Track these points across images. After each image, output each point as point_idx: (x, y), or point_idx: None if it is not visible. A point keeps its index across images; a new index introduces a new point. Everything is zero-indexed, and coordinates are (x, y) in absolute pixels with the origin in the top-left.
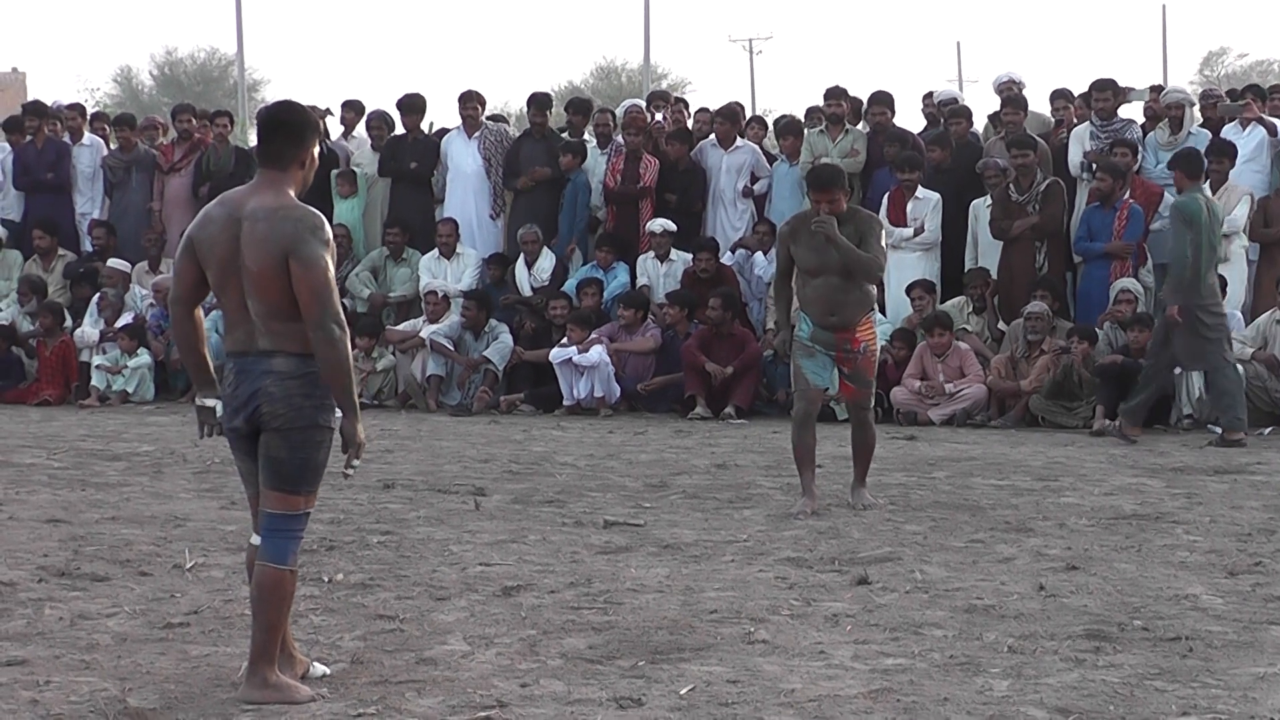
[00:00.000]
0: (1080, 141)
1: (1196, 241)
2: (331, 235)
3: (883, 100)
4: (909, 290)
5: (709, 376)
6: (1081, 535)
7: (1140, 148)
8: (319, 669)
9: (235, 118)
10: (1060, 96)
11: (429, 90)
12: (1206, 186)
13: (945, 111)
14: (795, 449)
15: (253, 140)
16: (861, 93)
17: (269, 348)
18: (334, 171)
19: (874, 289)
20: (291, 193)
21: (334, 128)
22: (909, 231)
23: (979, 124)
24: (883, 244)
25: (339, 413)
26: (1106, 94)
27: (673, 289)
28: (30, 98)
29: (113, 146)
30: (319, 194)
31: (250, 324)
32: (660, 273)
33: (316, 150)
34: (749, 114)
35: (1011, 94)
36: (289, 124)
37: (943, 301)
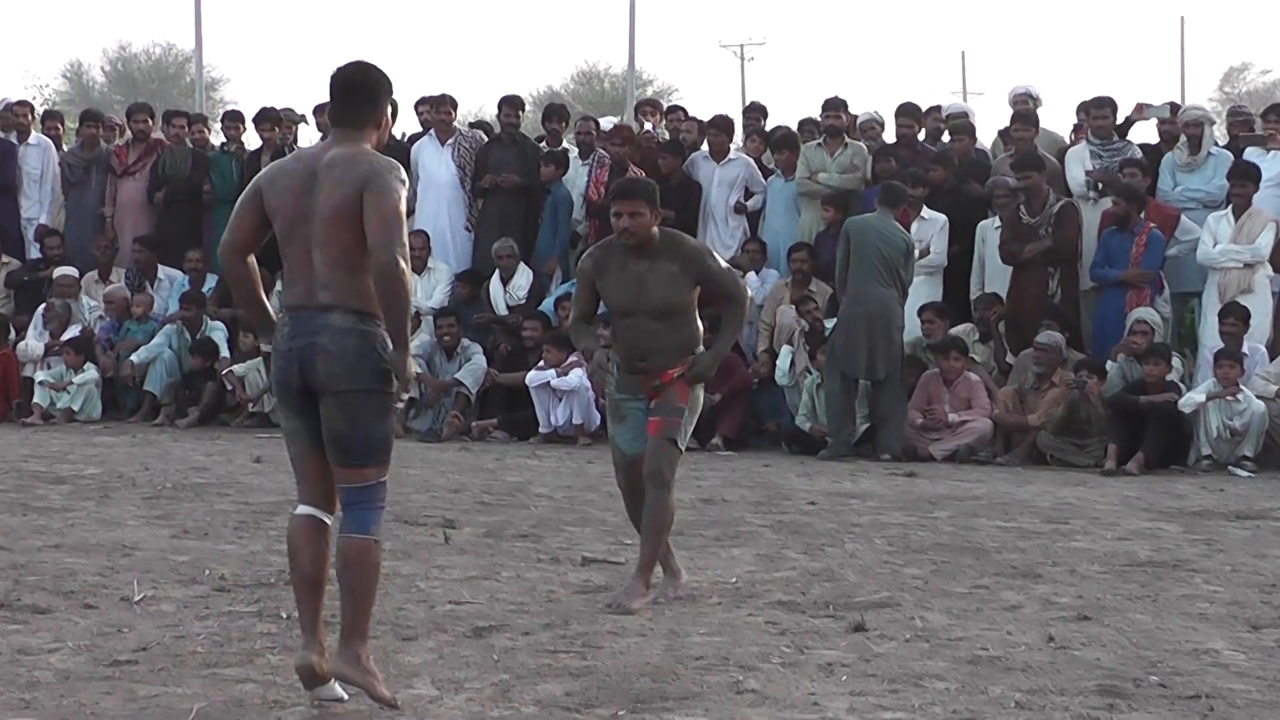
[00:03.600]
0: (1080, 161)
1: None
2: (407, 180)
3: (909, 112)
4: (920, 313)
5: None
6: (1093, 582)
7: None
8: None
9: (193, 117)
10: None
11: (399, 94)
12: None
13: (948, 126)
14: (630, 518)
15: (215, 141)
16: (860, 104)
17: (329, 301)
18: None
19: (699, 329)
20: (368, 147)
21: (306, 136)
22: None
23: (987, 139)
24: (723, 264)
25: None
26: (1104, 111)
27: None
28: None
29: (67, 146)
30: None
31: (312, 277)
32: None
33: (390, 111)
34: (744, 112)
35: (1024, 109)
36: (364, 84)
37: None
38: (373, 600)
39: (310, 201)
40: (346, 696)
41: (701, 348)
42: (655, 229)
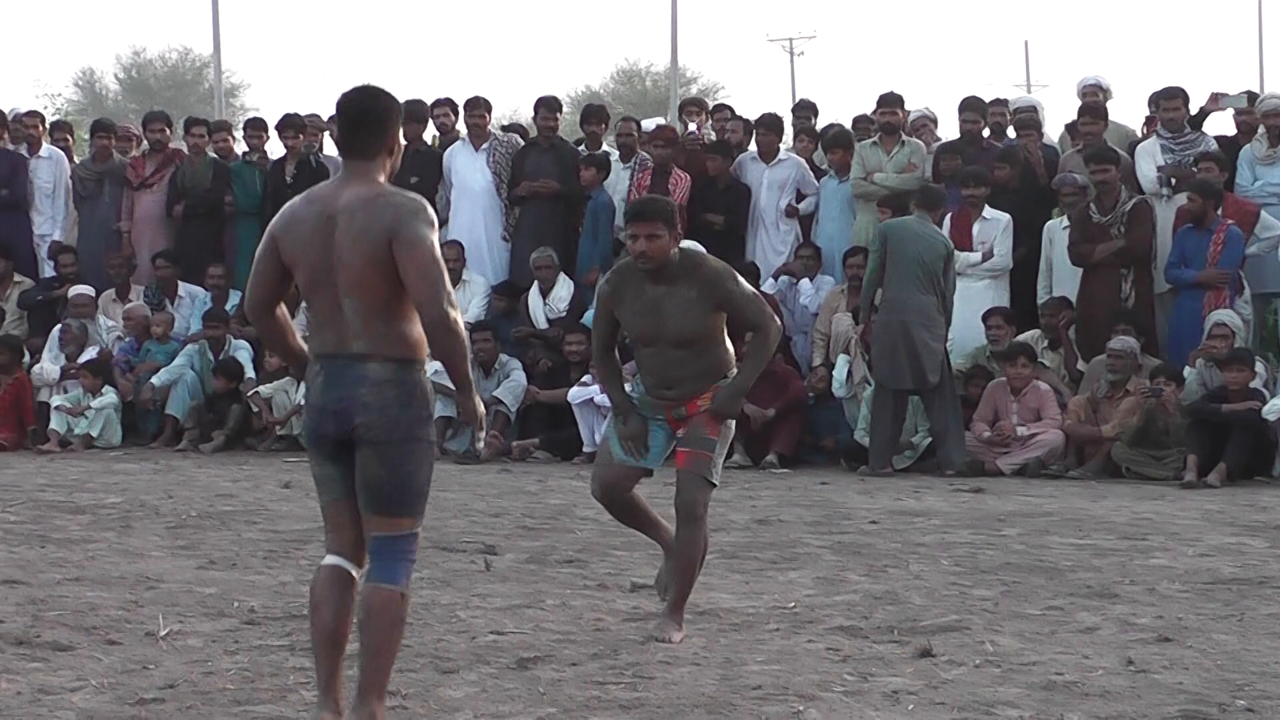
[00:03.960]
0: (1150, 156)
1: None
2: (436, 219)
3: (974, 107)
4: (985, 319)
5: (748, 420)
6: (1174, 602)
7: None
8: None
9: (216, 125)
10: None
11: (431, 97)
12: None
13: (1014, 120)
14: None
15: (239, 150)
16: (917, 100)
17: (364, 351)
18: None
19: (728, 354)
20: (383, 179)
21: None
22: (975, 256)
23: (1054, 133)
24: (747, 289)
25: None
26: (1176, 103)
27: None
28: None
29: (79, 158)
30: None
31: (344, 325)
32: None
33: (401, 133)
34: (793, 110)
35: (1093, 101)
36: (372, 112)
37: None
38: (394, 656)
39: (332, 248)
40: None
41: (733, 371)
42: (675, 251)
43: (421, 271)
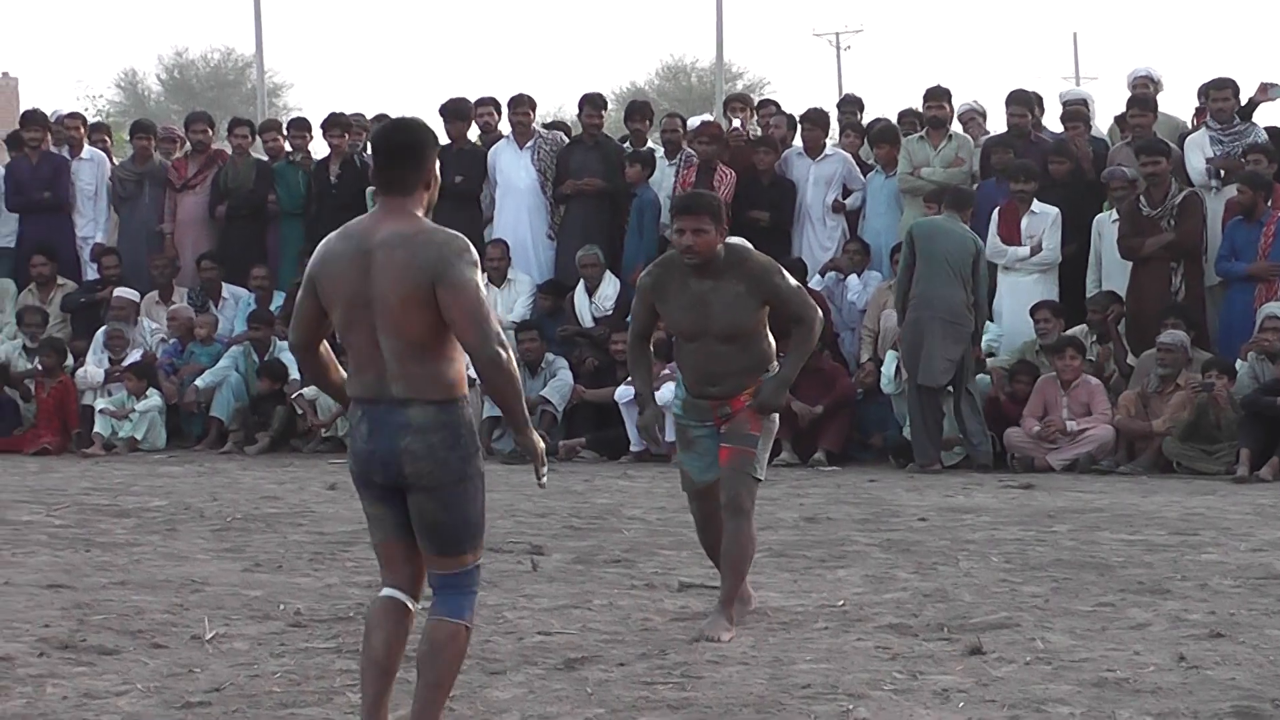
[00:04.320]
0: (1199, 148)
1: None
2: (478, 258)
3: (1022, 100)
4: (1033, 312)
5: (795, 417)
6: (1226, 598)
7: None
8: None
9: (264, 125)
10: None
11: (475, 95)
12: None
13: (1064, 113)
14: (704, 547)
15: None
16: (965, 93)
17: (404, 395)
18: (369, 189)
19: (770, 348)
20: (420, 214)
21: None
22: (1024, 251)
23: (1103, 125)
24: (792, 282)
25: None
26: (1225, 93)
27: None
28: (24, 106)
29: (119, 160)
30: (358, 213)
31: (381, 366)
32: None
33: (438, 166)
34: (838, 106)
35: (1142, 93)
36: (408, 145)
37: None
38: (450, 689)
39: (368, 285)
40: None
41: (775, 365)
42: (720, 246)
43: (469, 314)
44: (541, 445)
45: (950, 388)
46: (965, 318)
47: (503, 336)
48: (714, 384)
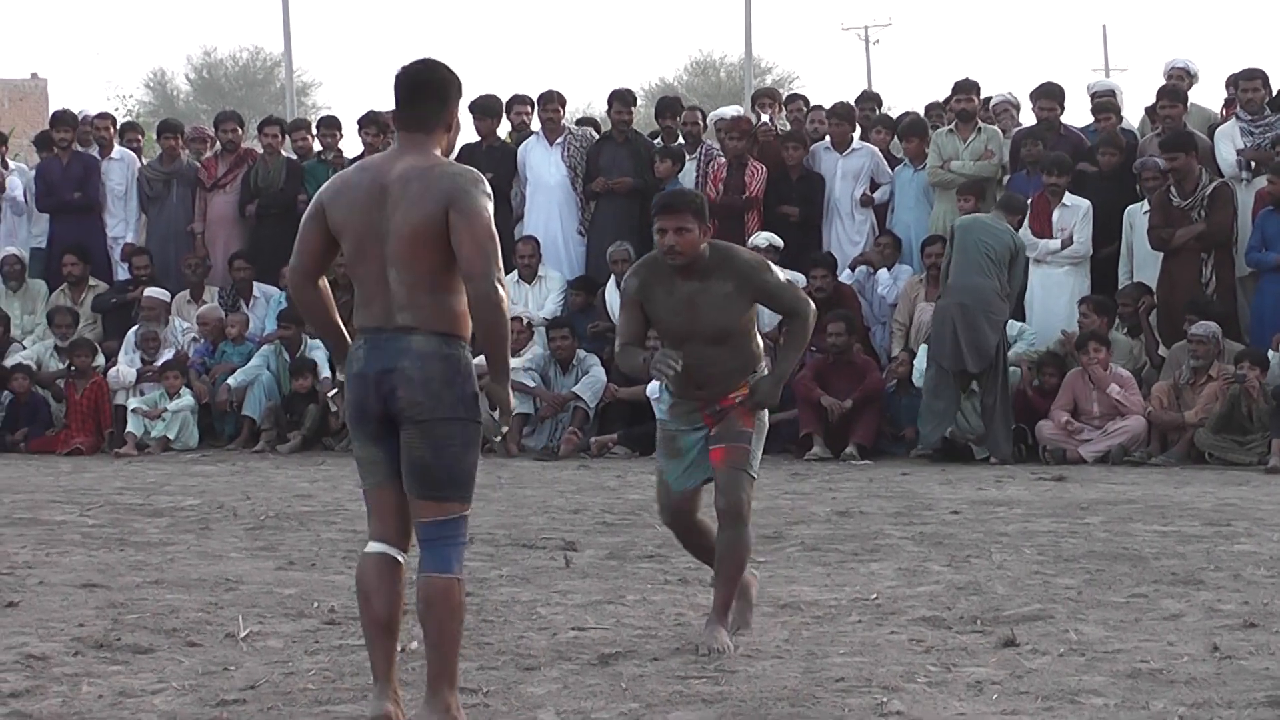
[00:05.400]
0: (1229, 139)
1: None
2: (492, 193)
3: (1050, 93)
4: (1078, 305)
5: (826, 412)
6: (1260, 588)
7: None
8: None
9: (294, 124)
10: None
11: (504, 91)
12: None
13: (1093, 104)
14: (691, 554)
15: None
16: (993, 86)
17: (408, 324)
18: None
19: (759, 348)
20: (438, 154)
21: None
22: (1055, 244)
23: (1134, 117)
24: (782, 277)
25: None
26: (1255, 84)
27: None
28: (53, 107)
29: (146, 159)
30: None
31: (388, 298)
32: None
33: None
34: (856, 102)
35: (1174, 84)
36: (431, 83)
37: None
38: (458, 643)
39: (382, 218)
40: None
41: (764, 365)
42: (704, 245)
43: (478, 243)
44: (512, 403)
45: (976, 385)
46: (998, 306)
47: (503, 277)
48: (702, 386)
